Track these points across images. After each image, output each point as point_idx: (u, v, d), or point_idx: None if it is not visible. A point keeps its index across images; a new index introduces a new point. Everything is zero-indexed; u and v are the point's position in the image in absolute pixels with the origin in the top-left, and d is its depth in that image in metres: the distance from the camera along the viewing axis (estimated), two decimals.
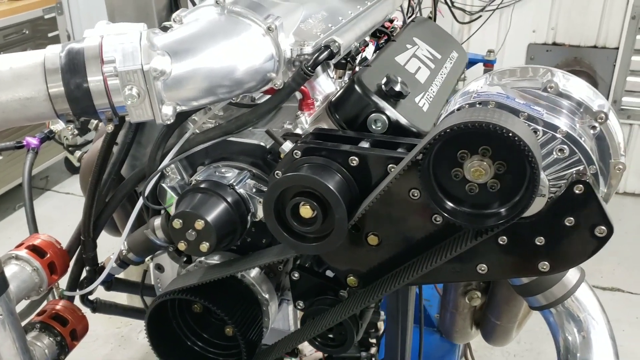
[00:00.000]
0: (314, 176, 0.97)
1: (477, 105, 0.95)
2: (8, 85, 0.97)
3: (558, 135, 0.90)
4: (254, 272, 1.27)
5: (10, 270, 1.27)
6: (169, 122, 1.04)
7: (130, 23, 1.07)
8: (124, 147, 1.30)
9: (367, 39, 1.57)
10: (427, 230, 1.01)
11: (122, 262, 1.35)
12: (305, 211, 1.00)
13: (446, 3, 2.92)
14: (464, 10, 3.57)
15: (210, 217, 1.11)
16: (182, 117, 1.24)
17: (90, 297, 1.48)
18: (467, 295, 1.35)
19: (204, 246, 1.12)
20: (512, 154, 0.85)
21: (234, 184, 1.17)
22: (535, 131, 0.91)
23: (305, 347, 2.05)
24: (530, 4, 3.62)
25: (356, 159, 1.01)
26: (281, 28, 1.12)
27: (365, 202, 0.99)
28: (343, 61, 1.32)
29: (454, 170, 0.90)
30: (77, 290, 1.41)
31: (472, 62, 2.62)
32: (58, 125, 1.72)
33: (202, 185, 1.16)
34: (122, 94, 0.98)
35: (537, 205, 0.94)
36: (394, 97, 1.13)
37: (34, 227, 1.47)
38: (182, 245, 1.13)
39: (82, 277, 1.44)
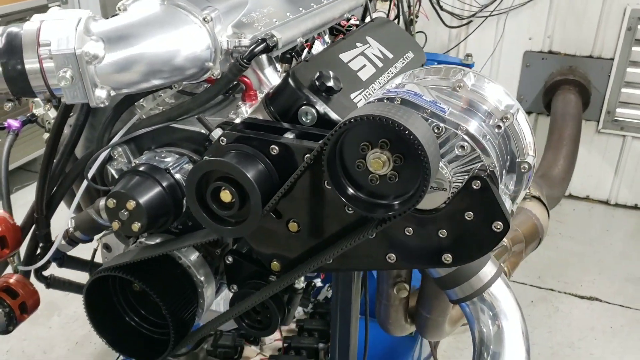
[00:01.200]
0: (231, 162, 1.01)
1: (384, 101, 0.98)
2: None
3: (459, 132, 0.94)
4: (193, 257, 1.32)
5: None
6: (102, 105, 1.09)
7: (78, 9, 1.13)
8: (75, 129, 1.35)
9: (326, 36, 1.61)
10: (341, 219, 1.05)
11: (71, 240, 1.41)
12: (225, 195, 1.05)
13: (433, 6, 2.94)
14: (452, 14, 3.58)
15: (142, 199, 1.16)
16: (128, 102, 1.30)
17: (46, 274, 1.54)
18: (395, 287, 1.39)
19: (136, 226, 1.17)
20: (407, 148, 0.89)
21: (171, 168, 1.22)
22: (438, 127, 0.95)
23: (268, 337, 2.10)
24: (527, 12, 3.64)
25: (276, 148, 1.05)
26: (218, 20, 1.17)
27: (280, 190, 1.03)
28: (288, 56, 1.36)
29: (357, 160, 0.94)
30: (32, 265, 1.47)
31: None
32: (40, 109, 1.79)
33: (140, 168, 1.21)
34: (56, 76, 1.04)
35: (440, 199, 0.97)
36: (326, 92, 1.17)
37: (7, 206, 1.52)
38: (115, 225, 1.19)
39: (37, 253, 1.50)
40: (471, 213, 0.96)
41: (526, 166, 1.01)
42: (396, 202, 0.93)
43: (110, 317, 1.33)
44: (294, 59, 1.36)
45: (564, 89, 3.55)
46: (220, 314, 1.26)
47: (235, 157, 1.05)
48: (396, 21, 2.83)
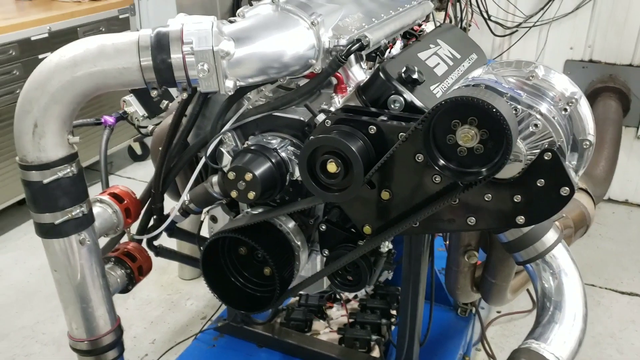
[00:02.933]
0: (339, 138, 1.24)
1: (471, 87, 1.19)
2: (110, 56, 1.28)
3: (533, 113, 1.14)
4: (291, 225, 1.54)
5: (94, 211, 1.58)
6: (230, 94, 1.32)
7: (203, 15, 1.36)
8: (192, 118, 1.59)
9: (399, 40, 1.83)
10: (429, 188, 1.26)
11: (184, 212, 1.64)
12: (331, 167, 1.27)
13: (482, 16, 3.14)
14: (500, 24, 3.78)
15: (257, 171, 1.39)
16: (238, 95, 1.53)
17: (155, 244, 1.78)
18: (466, 254, 1.58)
19: (251, 194, 1.39)
20: (493, 124, 1.10)
21: (277, 148, 1.45)
22: (516, 109, 1.16)
23: (333, 312, 2.31)
24: (568, 22, 3.81)
25: (374, 127, 1.27)
26: (322, 24, 1.40)
27: (379, 162, 1.24)
28: (373, 55, 1.59)
29: (448, 135, 1.15)
30: (145, 235, 1.71)
31: None
32: (131, 108, 2.04)
33: (253, 147, 1.44)
34: (196, 69, 1.27)
35: (516, 169, 1.18)
36: (411, 84, 1.38)
37: (106, 186, 1.77)
38: (234, 193, 1.41)
39: (149, 225, 1.74)
40: (542, 180, 1.16)
41: (587, 143, 1.21)
42: (483, 169, 1.14)
43: (220, 276, 1.55)
44: (377, 57, 1.58)
45: (604, 96, 3.70)
46: (318, 272, 1.47)
47: (341, 134, 1.28)
48: None
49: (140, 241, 1.75)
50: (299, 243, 1.52)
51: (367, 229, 1.37)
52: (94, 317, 1.51)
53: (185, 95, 1.35)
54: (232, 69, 1.29)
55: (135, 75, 1.29)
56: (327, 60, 1.43)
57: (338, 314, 2.30)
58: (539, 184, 1.17)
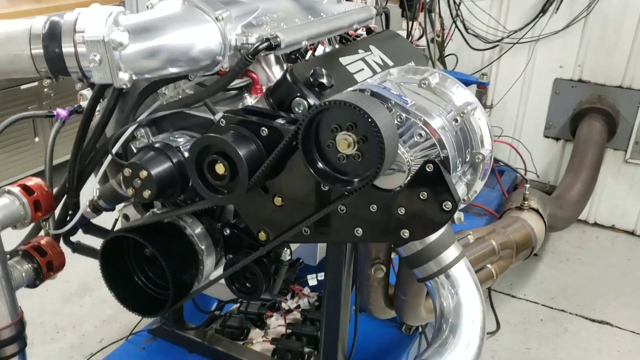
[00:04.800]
0: (223, 138, 1.19)
1: (356, 92, 1.14)
2: (1, 43, 1.25)
3: (417, 122, 1.08)
4: (197, 229, 1.49)
5: (1, 202, 1.54)
6: (125, 87, 1.28)
7: (114, 6, 1.33)
8: (106, 112, 1.55)
9: (337, 44, 1.78)
10: (319, 195, 1.21)
11: (95, 208, 1.60)
12: (219, 168, 1.22)
13: (457, 28, 3.07)
14: (478, 37, 3.70)
15: (153, 170, 1.34)
16: (151, 89, 1.49)
17: (74, 240, 1.74)
18: (372, 268, 1.52)
19: (146, 193, 1.35)
20: (368, 131, 1.04)
21: (181, 147, 1.40)
22: (400, 116, 1.10)
23: (272, 322, 2.26)
24: (558, 40, 3.72)
25: (265, 129, 1.22)
26: (229, 20, 1.35)
27: (262, 166, 1.19)
28: (293, 57, 1.54)
29: (328, 140, 1.10)
30: (59, 229, 1.67)
31: (466, 83, 2.76)
32: (87, 102, 2.02)
33: (155, 145, 1.40)
34: (87, 59, 1.24)
35: (400, 179, 1.12)
36: (318, 87, 1.33)
37: (49, 179, 1.73)
38: (130, 191, 1.37)
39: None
40: (425, 193, 1.10)
41: (480, 157, 1.14)
42: (356, 179, 1.08)
43: (121, 277, 1.50)
44: (298, 59, 1.53)
45: (590, 117, 3.61)
46: (215, 278, 1.42)
47: (231, 136, 1.23)
48: (423, 39, 2.98)
49: (58, 238, 1.71)
50: (203, 247, 1.47)
51: (262, 235, 1.32)
52: None
53: (79, 86, 1.32)
54: (126, 61, 1.25)
55: (27, 64, 1.26)
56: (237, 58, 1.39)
57: (277, 323, 2.23)
58: (421, 197, 1.10)
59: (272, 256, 1.41)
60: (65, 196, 1.66)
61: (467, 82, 2.76)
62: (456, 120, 1.12)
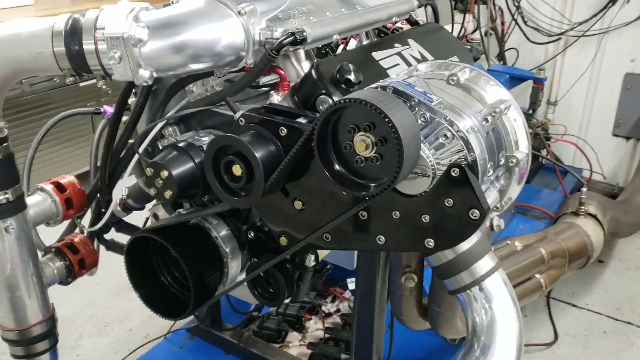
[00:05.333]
0: (241, 138, 1.13)
1: (378, 89, 1.05)
2: (25, 41, 1.24)
3: (442, 122, 0.99)
4: (223, 231, 1.44)
5: (34, 199, 1.55)
6: (145, 84, 1.25)
7: (140, 2, 1.30)
8: (136, 109, 1.53)
9: (376, 38, 1.69)
10: (339, 200, 1.13)
11: (125, 207, 1.59)
12: (236, 169, 1.16)
13: (516, 22, 2.89)
14: (538, 30, 3.49)
15: (174, 170, 1.30)
16: (178, 86, 1.46)
17: (107, 237, 1.74)
18: (403, 276, 1.43)
19: (168, 193, 1.31)
20: (387, 132, 0.96)
21: (205, 146, 1.35)
22: (424, 116, 1.01)
23: (311, 325, 2.20)
24: (630, 32, 3.47)
25: (284, 129, 1.15)
26: (252, 14, 1.30)
27: (279, 168, 1.13)
28: (323, 51, 1.46)
29: (346, 142, 1.02)
30: (93, 227, 1.67)
31: (521, 79, 2.60)
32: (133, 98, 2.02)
33: (179, 144, 1.36)
34: (107, 56, 1.21)
35: (424, 185, 1.03)
36: (345, 84, 1.25)
37: (93, 177, 1.73)
38: (152, 191, 1.34)
39: None
40: (450, 200, 1.00)
41: (514, 160, 1.04)
42: (374, 183, 1.00)
43: (146, 276, 1.48)
44: (328, 54, 1.46)
45: None
46: (236, 282, 1.37)
47: (249, 136, 1.17)
48: (477, 33, 2.83)
49: (93, 234, 1.72)
50: (227, 250, 1.42)
51: (282, 240, 1.26)
52: (21, 306, 1.48)
53: (101, 83, 1.30)
54: (147, 58, 1.22)
55: (50, 61, 1.25)
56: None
57: (315, 327, 2.17)
58: (447, 204, 1.01)
59: (296, 262, 1.35)
60: (98, 194, 1.66)
61: (521, 78, 2.60)
62: (487, 120, 1.02)
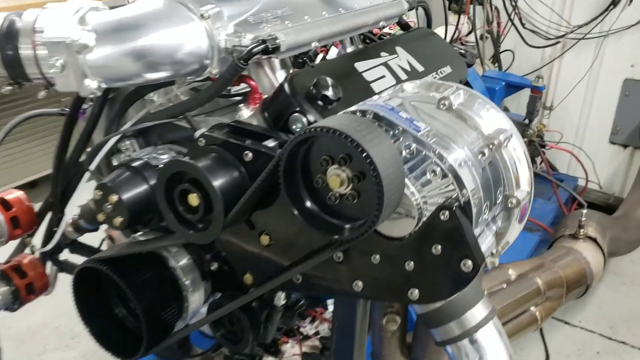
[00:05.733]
0: (196, 164, 0.97)
1: (357, 113, 0.90)
2: None
3: (431, 155, 0.84)
4: (183, 260, 1.28)
5: None
6: (92, 96, 1.09)
7: (92, 1, 1.13)
8: (90, 120, 1.37)
9: (361, 45, 1.54)
10: (310, 237, 0.98)
11: (77, 228, 1.43)
12: (192, 199, 1.01)
13: (512, 24, 2.74)
14: (536, 33, 3.34)
15: (125, 194, 1.14)
16: (136, 96, 1.30)
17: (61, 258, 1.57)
18: (385, 318, 1.28)
19: (117, 220, 1.15)
20: (364, 167, 0.80)
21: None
22: (409, 147, 0.85)
23: (287, 349, 2.04)
24: (630, 36, 3.33)
25: (250, 153, 1.00)
26: (218, 17, 1.13)
27: (241, 200, 0.97)
28: (300, 60, 1.30)
29: (318, 175, 0.87)
30: (41, 247, 1.50)
31: (518, 87, 2.46)
32: None
33: (132, 164, 1.20)
34: (48, 63, 1.05)
35: (408, 226, 0.88)
36: (322, 101, 1.10)
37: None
38: (100, 216, 1.18)
39: None
40: (439, 246, 0.85)
41: (514, 201, 0.88)
42: (348, 226, 0.84)
43: (98, 308, 1.32)
44: (305, 64, 1.30)
45: None
46: (195, 322, 1.21)
47: (209, 159, 1.01)
48: (472, 36, 2.68)
49: (45, 254, 1.55)
50: (187, 282, 1.26)
51: (247, 278, 1.10)
52: None
53: (42, 94, 1.13)
54: (94, 66, 1.06)
55: None
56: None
57: (292, 351, 2.02)
58: (434, 251, 0.86)
59: (263, 300, 1.19)
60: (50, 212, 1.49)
61: (519, 85, 2.45)
62: (483, 154, 0.86)
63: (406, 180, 0.84)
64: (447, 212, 0.82)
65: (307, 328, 2.08)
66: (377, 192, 0.78)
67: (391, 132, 0.87)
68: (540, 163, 3.24)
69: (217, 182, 0.96)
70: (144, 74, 1.11)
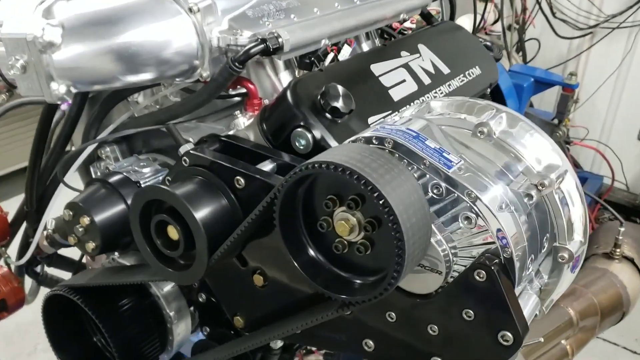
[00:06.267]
0: (174, 192, 0.80)
1: (373, 141, 0.72)
2: None
3: (464, 197, 0.66)
4: (167, 287, 1.12)
5: None
6: (60, 102, 0.92)
7: None
8: (68, 121, 1.20)
9: (377, 40, 1.35)
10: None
11: (52, 242, 1.27)
12: (172, 232, 0.84)
13: (542, 12, 2.52)
14: (567, 23, 3.11)
15: (97, 216, 0.98)
16: (117, 98, 1.13)
17: (39, 271, 1.42)
18: None
19: (90, 245, 0.99)
20: (379, 213, 0.63)
21: (143, 182, 1.03)
22: (438, 187, 0.68)
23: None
24: None
25: (242, 180, 0.83)
26: (209, 11, 0.96)
27: (230, 238, 0.80)
28: (307, 61, 1.12)
29: (322, 218, 0.69)
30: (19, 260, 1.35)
31: (548, 84, 2.26)
32: None
33: (109, 179, 1.03)
34: (7, 63, 0.88)
35: (433, 283, 0.71)
36: (330, 113, 0.92)
37: None
38: (71, 240, 1.02)
39: None
40: (471, 312, 0.68)
41: (565, 256, 0.71)
42: (358, 281, 0.68)
43: (73, 336, 1.17)
44: (313, 65, 1.12)
45: None
46: None
47: (193, 184, 0.84)
48: (498, 25, 2.47)
49: (21, 267, 1.40)
50: (172, 313, 1.10)
51: (238, 321, 0.94)
52: None
53: (3, 97, 0.97)
54: (61, 67, 0.89)
55: None
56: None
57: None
58: (465, 316, 0.69)
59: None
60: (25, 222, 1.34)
61: (548, 83, 2.25)
62: (530, 196, 0.69)
63: (432, 227, 0.67)
64: (483, 272, 0.65)
65: None
66: (396, 245, 0.61)
67: (414, 168, 0.69)
68: None
69: (200, 214, 0.80)
70: (121, 76, 0.93)
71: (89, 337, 1.18)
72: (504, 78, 1.86)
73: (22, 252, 1.37)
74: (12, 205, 1.40)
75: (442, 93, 1.17)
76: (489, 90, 1.35)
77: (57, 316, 1.14)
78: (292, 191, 0.68)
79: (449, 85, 1.20)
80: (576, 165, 3.31)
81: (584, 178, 3.21)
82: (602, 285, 1.51)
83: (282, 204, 0.68)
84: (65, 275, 1.47)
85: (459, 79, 1.24)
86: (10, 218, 1.37)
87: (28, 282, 1.47)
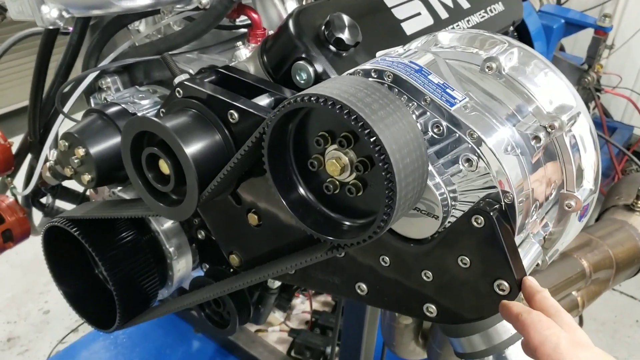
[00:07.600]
0: (162, 124, 0.76)
1: (371, 74, 0.67)
2: None
3: (466, 138, 0.61)
4: (167, 223, 1.10)
5: None
6: (52, 27, 0.88)
7: None
8: (69, 50, 1.16)
9: None
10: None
11: (55, 174, 1.25)
12: (164, 166, 0.81)
13: None
14: None
15: (92, 148, 0.95)
16: (116, 25, 1.08)
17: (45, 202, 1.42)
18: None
19: (86, 177, 0.97)
20: (372, 151, 0.59)
21: (140, 113, 0.99)
22: (438, 126, 0.63)
23: (297, 304, 1.90)
24: None
25: (236, 114, 0.78)
26: None
27: (220, 174, 0.76)
28: None
29: (313, 156, 0.65)
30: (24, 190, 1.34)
31: (580, 26, 2.13)
32: None
33: (106, 109, 1.00)
34: None
35: (429, 228, 0.67)
36: (335, 45, 0.87)
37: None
38: (67, 171, 1.00)
39: None
40: (467, 259, 0.64)
41: (572, 204, 0.66)
42: (347, 223, 0.64)
43: (75, 268, 1.16)
44: None
45: None
46: (173, 300, 1.05)
47: (186, 117, 0.80)
48: None
49: (26, 198, 1.40)
50: (171, 249, 1.09)
51: (233, 259, 0.92)
52: None
53: None
54: None
55: None
56: None
57: (302, 307, 1.87)
58: (461, 263, 0.65)
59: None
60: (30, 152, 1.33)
61: (581, 24, 2.13)
62: (538, 138, 0.63)
63: (430, 168, 0.62)
64: (481, 218, 0.61)
65: None
66: (387, 187, 0.57)
67: (414, 104, 0.64)
68: (594, 109, 2.93)
69: (191, 149, 0.76)
70: (117, 1, 0.89)
71: (90, 270, 1.18)
72: (533, 19, 1.76)
73: (27, 182, 1.36)
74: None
75: (457, 27, 1.09)
76: (511, 28, 1.27)
77: (58, 248, 1.14)
78: (281, 126, 0.64)
79: (468, 21, 1.13)
80: (606, 114, 3.18)
81: (613, 127, 3.10)
82: (619, 238, 1.45)
83: (271, 140, 0.64)
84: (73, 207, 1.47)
85: (479, 14, 1.16)
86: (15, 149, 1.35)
87: (39, 214, 1.47)
